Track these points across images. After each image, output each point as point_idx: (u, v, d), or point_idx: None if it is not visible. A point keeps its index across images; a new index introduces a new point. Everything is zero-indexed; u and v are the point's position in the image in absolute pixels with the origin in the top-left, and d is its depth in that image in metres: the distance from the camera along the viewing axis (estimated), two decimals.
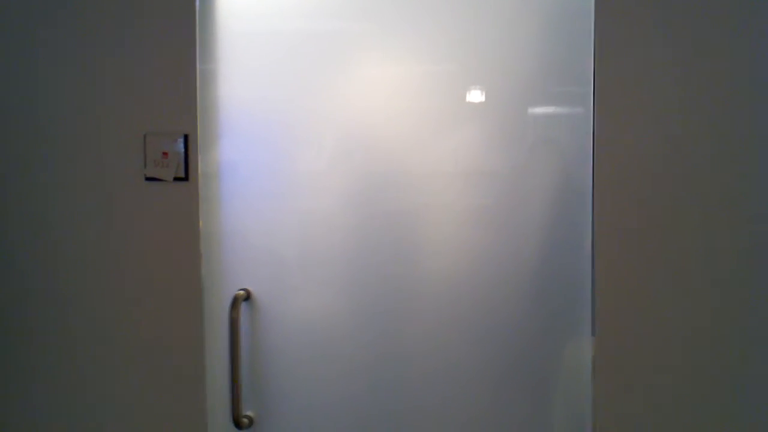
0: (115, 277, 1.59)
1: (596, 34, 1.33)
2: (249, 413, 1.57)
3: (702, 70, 1.28)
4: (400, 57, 1.48)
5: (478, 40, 1.43)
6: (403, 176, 1.49)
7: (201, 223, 1.54)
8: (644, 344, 1.34)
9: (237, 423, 1.52)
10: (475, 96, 1.44)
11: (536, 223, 1.43)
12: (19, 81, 1.60)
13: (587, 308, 1.40)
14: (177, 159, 1.53)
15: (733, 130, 1.28)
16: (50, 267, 1.63)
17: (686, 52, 1.29)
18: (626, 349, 1.34)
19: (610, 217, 1.33)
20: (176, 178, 1.54)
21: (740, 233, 1.29)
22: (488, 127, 1.44)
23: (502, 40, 1.42)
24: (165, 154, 1.54)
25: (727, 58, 1.27)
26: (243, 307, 1.56)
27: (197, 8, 1.51)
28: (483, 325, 1.46)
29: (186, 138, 1.53)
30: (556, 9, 1.39)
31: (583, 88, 1.37)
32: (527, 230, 1.44)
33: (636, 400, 1.35)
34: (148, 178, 1.55)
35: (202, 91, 1.54)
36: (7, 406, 1.67)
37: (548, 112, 1.42)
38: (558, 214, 1.42)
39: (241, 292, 1.56)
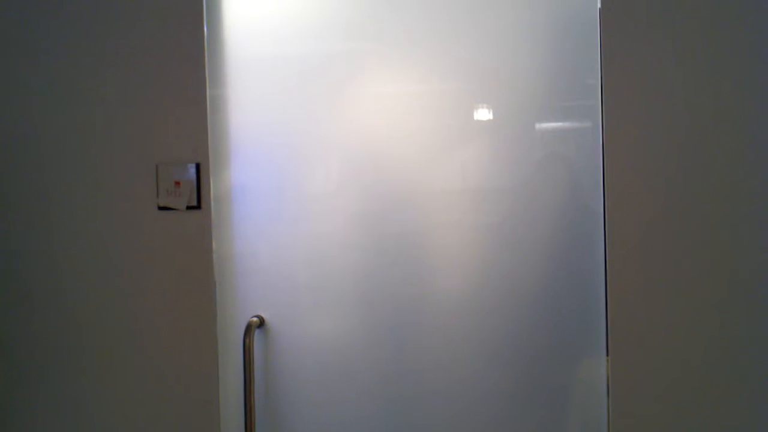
0: (129, 306, 1.59)
1: (602, 47, 1.34)
2: None
3: (711, 81, 1.29)
4: (406, 77, 1.50)
5: (484, 58, 1.45)
6: (413, 195, 1.49)
7: (214, 250, 1.54)
8: (659, 357, 1.32)
9: None
10: (483, 113, 1.45)
11: (547, 239, 1.43)
12: (33, 112, 1.62)
13: (600, 324, 1.38)
14: (189, 187, 1.54)
15: (745, 142, 1.28)
16: (65, 296, 1.63)
17: (694, 63, 1.30)
18: (641, 363, 1.33)
19: (622, 231, 1.33)
20: (189, 207, 1.54)
21: (755, 243, 1.28)
22: (496, 143, 1.45)
23: (508, 57, 1.44)
24: (177, 183, 1.55)
25: (737, 67, 1.28)
26: (256, 333, 1.55)
27: (205, 35, 1.53)
28: (496, 342, 1.45)
29: (198, 166, 1.53)
30: (561, 24, 1.40)
31: (590, 102, 1.38)
32: (538, 246, 1.43)
33: (652, 413, 1.32)
34: (161, 208, 1.55)
35: (213, 116, 1.55)
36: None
37: (556, 127, 1.43)
38: (569, 229, 1.42)
39: (255, 319, 1.55)
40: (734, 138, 1.28)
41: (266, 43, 1.56)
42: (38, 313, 1.64)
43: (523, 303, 1.44)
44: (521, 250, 1.44)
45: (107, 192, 1.59)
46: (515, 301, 1.44)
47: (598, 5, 1.34)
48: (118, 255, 1.59)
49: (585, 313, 1.41)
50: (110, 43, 1.57)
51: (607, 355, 1.36)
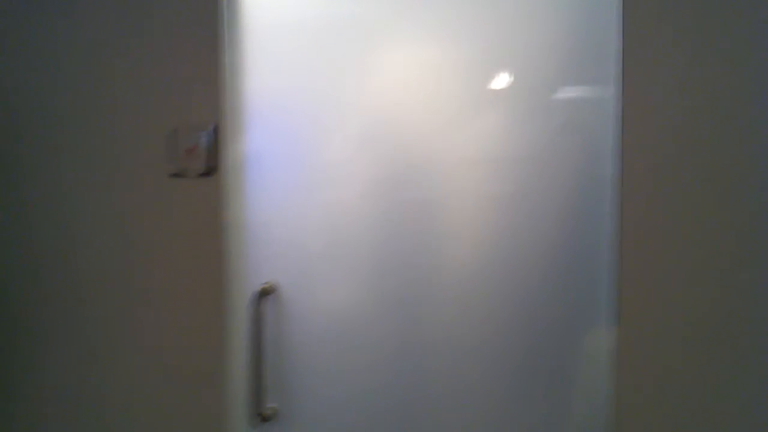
0: (140, 273, 1.61)
1: (624, 10, 1.27)
2: (273, 405, 1.56)
3: (736, 51, 1.23)
4: (422, 43, 1.46)
5: (501, 24, 1.41)
6: (427, 164, 1.47)
7: (226, 216, 1.54)
8: (669, 337, 1.28)
9: (260, 414, 1.51)
10: (499, 81, 1.42)
11: (560, 211, 1.39)
12: (41, 78, 1.64)
13: (611, 299, 1.35)
14: (203, 154, 1.54)
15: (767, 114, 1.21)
16: (73, 265, 1.65)
17: (719, 32, 1.23)
18: (650, 341, 1.29)
19: (637, 205, 1.28)
20: (203, 173, 1.55)
21: None
22: (512, 112, 1.41)
23: (525, 23, 1.39)
24: (192, 149, 1.55)
25: (764, 38, 1.20)
26: (268, 299, 1.55)
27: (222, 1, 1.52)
28: (505, 314, 1.43)
29: (213, 132, 1.53)
30: None
31: (609, 70, 1.33)
32: (551, 218, 1.40)
33: (659, 394, 1.28)
34: (174, 174, 1.56)
35: (229, 82, 1.54)
36: (23, 407, 1.70)
37: (573, 96, 1.38)
38: (583, 202, 1.38)
39: (266, 285, 1.55)
40: (757, 108, 1.22)
41: (284, 6, 1.54)
42: (48, 278, 1.67)
43: (535, 273, 1.42)
44: (534, 219, 1.41)
45: (120, 157, 1.60)
46: (527, 271, 1.42)
47: None
48: (130, 221, 1.60)
49: (595, 286, 1.38)
50: (126, 7, 1.57)
51: (617, 324, 1.32)
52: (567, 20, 1.37)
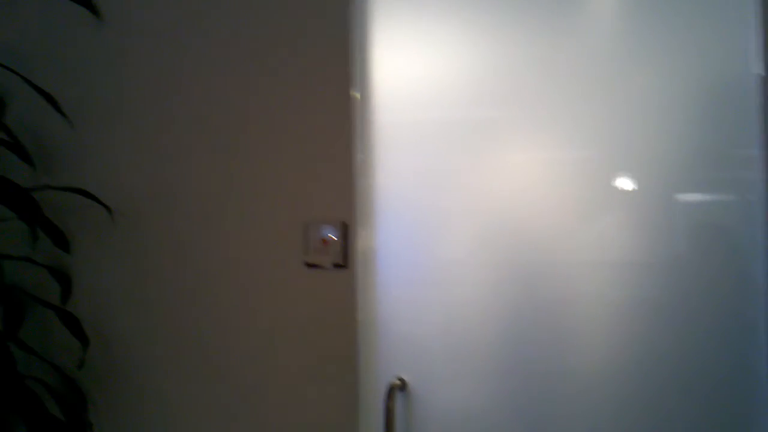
0: (271, 361, 1.62)
1: (764, 113, 1.27)
2: None
3: None
4: (545, 143, 1.48)
5: (627, 125, 1.40)
6: (550, 264, 1.46)
7: (358, 308, 1.55)
8: None
9: None
10: (626, 182, 1.40)
11: (700, 317, 1.34)
12: (191, 169, 1.72)
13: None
14: (336, 246, 1.57)
15: None
16: (207, 347, 1.68)
17: None
18: None
19: None
20: (335, 265, 1.57)
21: None
22: (639, 214, 1.39)
23: (654, 124, 1.39)
24: (324, 241, 1.57)
25: None
26: (398, 396, 1.54)
27: (355, 100, 1.58)
28: (640, 426, 1.37)
29: (345, 226, 1.56)
30: (714, 91, 1.35)
31: (749, 174, 1.31)
32: (690, 324, 1.35)
33: None
34: (308, 264, 1.58)
35: (359, 178, 1.58)
36: None
37: (708, 199, 1.35)
38: (726, 307, 1.33)
39: (397, 381, 1.54)
40: None
41: (411, 108, 1.58)
42: (182, 360, 1.69)
43: (673, 386, 1.36)
44: (671, 327, 1.36)
45: (257, 246, 1.65)
46: (663, 384, 1.36)
47: (760, 72, 1.29)
48: (267, 307, 1.63)
49: (750, 401, 1.30)
50: (266, 106, 1.64)
51: None
52: (701, 122, 1.36)
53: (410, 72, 1.57)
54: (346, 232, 1.57)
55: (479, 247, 1.52)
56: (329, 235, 1.58)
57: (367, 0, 1.61)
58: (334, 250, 1.57)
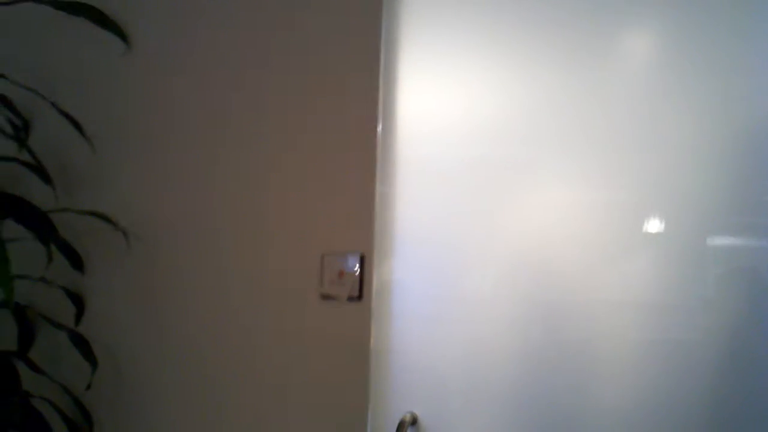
0: (281, 392, 1.62)
1: None
2: None
3: None
4: (572, 183, 1.48)
5: (658, 166, 1.40)
6: (572, 306, 1.45)
7: (372, 341, 1.55)
8: None
9: None
10: (653, 225, 1.41)
11: (727, 362, 1.33)
12: (210, 201, 1.74)
13: None
14: (352, 279, 1.57)
15: None
16: (221, 374, 1.68)
17: None
18: None
19: None
20: (350, 297, 1.57)
21: None
22: (667, 257, 1.39)
23: (686, 167, 1.38)
24: (341, 273, 1.58)
25: None
26: (409, 431, 1.52)
27: (379, 133, 1.59)
28: None
29: (362, 259, 1.57)
30: (751, 133, 1.35)
31: None
32: (717, 369, 1.34)
33: None
34: (323, 296, 1.59)
35: (379, 211, 1.60)
36: None
37: (737, 243, 1.36)
38: (754, 352, 1.33)
39: (408, 416, 1.53)
40: None
41: (436, 143, 1.60)
42: (191, 386, 1.68)
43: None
44: (697, 371, 1.35)
45: (273, 276, 1.65)
46: (687, 429, 1.34)
47: None
48: (281, 338, 1.63)
49: None
50: (287, 137, 1.67)
51: None
52: (731, 164, 1.37)
53: (436, 106, 1.59)
54: (363, 264, 1.57)
55: (499, 284, 1.51)
56: (348, 267, 1.58)
57: (394, 32, 1.63)
58: (350, 282, 1.58)
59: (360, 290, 1.57)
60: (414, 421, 1.53)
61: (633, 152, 1.42)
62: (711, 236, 1.35)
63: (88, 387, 1.71)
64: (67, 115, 1.72)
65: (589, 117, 1.46)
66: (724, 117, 1.36)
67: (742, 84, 1.34)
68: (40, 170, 1.75)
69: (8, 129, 1.79)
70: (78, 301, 1.79)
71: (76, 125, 1.73)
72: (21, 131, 1.81)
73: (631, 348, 1.40)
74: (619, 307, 1.40)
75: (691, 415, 1.34)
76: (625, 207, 1.41)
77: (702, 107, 1.37)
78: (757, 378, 1.31)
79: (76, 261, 1.79)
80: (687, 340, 1.35)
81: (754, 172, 1.33)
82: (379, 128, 1.61)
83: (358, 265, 1.58)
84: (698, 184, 1.36)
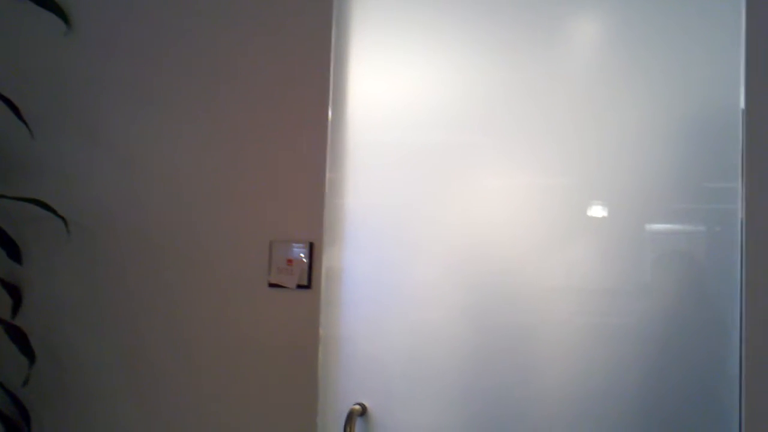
0: (230, 381, 1.57)
1: (745, 150, 1.30)
2: None
3: None
4: (519, 169, 1.48)
5: (603, 153, 1.42)
6: (518, 289, 1.45)
7: (321, 331, 1.52)
8: None
9: None
10: (597, 210, 1.42)
11: (666, 344, 1.35)
12: (152, 187, 1.68)
13: None
14: (301, 266, 1.54)
15: None
16: (172, 362, 1.61)
17: None
18: None
19: (763, 342, 1.25)
20: (299, 286, 1.54)
21: None
22: (609, 242, 1.40)
23: (631, 154, 1.40)
24: (290, 261, 1.54)
25: None
26: (358, 422, 1.50)
27: (329, 119, 1.56)
28: None
29: (311, 246, 1.54)
30: (698, 122, 1.37)
31: (725, 206, 1.32)
32: (656, 351, 1.35)
33: None
34: (271, 285, 1.55)
35: (329, 198, 1.57)
36: None
37: (677, 228, 1.37)
38: (693, 335, 1.34)
39: (357, 407, 1.50)
40: None
41: (386, 129, 1.58)
42: (135, 378, 1.63)
43: (638, 412, 1.35)
44: (637, 354, 1.36)
45: (222, 265, 1.60)
46: (628, 409, 1.36)
47: (741, 106, 1.31)
48: (227, 327, 1.59)
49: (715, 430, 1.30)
50: (235, 121, 1.62)
51: None
52: (681, 153, 1.39)
53: (387, 93, 1.58)
54: (312, 251, 1.54)
55: (449, 269, 1.51)
56: (297, 255, 1.55)
57: (345, 17, 1.61)
58: (299, 270, 1.54)
59: (309, 278, 1.54)
60: (363, 412, 1.51)
61: (576, 139, 1.43)
62: (650, 222, 1.37)
63: (26, 383, 1.64)
64: (3, 97, 1.64)
65: (534, 104, 1.46)
66: (664, 105, 1.38)
67: (682, 73, 1.37)
68: None
69: None
70: (15, 292, 1.71)
71: (13, 108, 1.65)
72: None
73: (574, 333, 1.41)
74: (563, 292, 1.42)
75: (630, 396, 1.36)
76: (569, 193, 1.43)
77: (643, 96, 1.39)
78: (693, 359, 1.33)
79: (13, 251, 1.72)
80: (626, 324, 1.37)
81: (693, 159, 1.36)
82: (330, 114, 1.57)
83: (307, 252, 1.54)
84: (639, 170, 1.38)
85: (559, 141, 1.45)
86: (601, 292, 1.40)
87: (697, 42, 1.38)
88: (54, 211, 1.68)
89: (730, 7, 1.36)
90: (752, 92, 1.30)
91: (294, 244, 1.55)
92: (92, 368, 1.68)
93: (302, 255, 1.54)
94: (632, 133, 1.40)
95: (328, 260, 1.56)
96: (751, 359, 1.26)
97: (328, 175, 1.56)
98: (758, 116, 1.29)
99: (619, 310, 1.39)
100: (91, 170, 1.71)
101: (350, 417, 1.48)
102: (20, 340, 1.65)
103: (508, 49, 1.50)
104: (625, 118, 1.41)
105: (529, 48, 1.49)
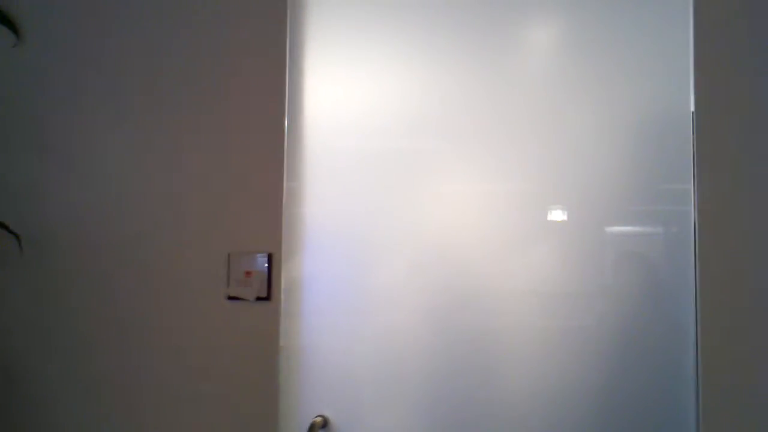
0: (189, 395, 1.54)
1: (696, 152, 1.31)
2: None
3: None
4: (478, 174, 1.48)
5: (561, 158, 1.43)
6: (480, 293, 1.45)
7: (281, 342, 1.50)
8: None
9: None
10: (556, 214, 1.42)
11: (626, 345, 1.36)
12: (107, 200, 1.64)
13: None
14: (260, 278, 1.52)
15: None
16: (128, 380, 1.57)
17: None
18: None
19: (718, 340, 1.26)
20: (258, 298, 1.51)
21: None
22: (569, 245, 1.41)
23: (587, 158, 1.42)
24: (248, 273, 1.52)
25: None
26: None
27: (286, 127, 1.55)
28: None
29: (269, 257, 1.52)
30: (650, 125, 1.38)
31: (679, 207, 1.34)
32: (617, 352, 1.36)
33: None
34: (230, 297, 1.53)
35: (287, 208, 1.55)
36: None
37: (635, 230, 1.38)
38: (652, 336, 1.35)
39: (319, 419, 1.48)
40: None
41: (344, 137, 1.57)
42: (91, 393, 1.58)
43: (600, 413, 1.36)
44: (598, 355, 1.37)
45: (179, 278, 1.57)
46: (590, 411, 1.36)
47: (691, 109, 1.33)
48: (184, 341, 1.56)
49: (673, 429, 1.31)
50: (190, 132, 1.60)
51: None
52: (633, 156, 1.40)
53: (344, 99, 1.57)
54: (271, 262, 1.52)
55: (410, 275, 1.50)
56: (256, 266, 1.53)
57: (301, 26, 1.60)
58: (258, 282, 1.52)
59: (268, 290, 1.52)
60: (325, 424, 1.48)
61: (535, 145, 1.43)
62: (609, 224, 1.37)
63: None
64: None
65: (493, 111, 1.46)
66: (619, 110, 1.39)
67: (634, 78, 1.38)
68: None
69: None
70: None
71: None
72: None
73: (536, 335, 1.41)
74: (525, 295, 1.42)
75: (592, 397, 1.36)
76: (528, 197, 1.43)
77: (598, 100, 1.40)
78: (653, 360, 1.34)
79: None
80: (586, 325, 1.37)
81: (648, 161, 1.37)
82: (286, 123, 1.56)
83: (266, 264, 1.52)
84: (596, 174, 1.39)
85: (517, 145, 1.46)
86: (562, 294, 1.40)
87: (648, 47, 1.39)
88: (6, 227, 1.64)
89: (678, 13, 1.38)
90: (701, 95, 1.31)
91: (253, 256, 1.53)
92: (44, 384, 1.64)
93: (261, 266, 1.52)
94: (588, 137, 1.41)
95: (288, 270, 1.54)
96: (707, 357, 1.26)
97: (286, 183, 1.55)
98: (707, 119, 1.31)
99: (580, 311, 1.39)
100: (44, 185, 1.68)
101: (312, 429, 1.46)
102: None
103: (465, 55, 1.50)
104: (581, 123, 1.42)
105: (484, 53, 1.49)
